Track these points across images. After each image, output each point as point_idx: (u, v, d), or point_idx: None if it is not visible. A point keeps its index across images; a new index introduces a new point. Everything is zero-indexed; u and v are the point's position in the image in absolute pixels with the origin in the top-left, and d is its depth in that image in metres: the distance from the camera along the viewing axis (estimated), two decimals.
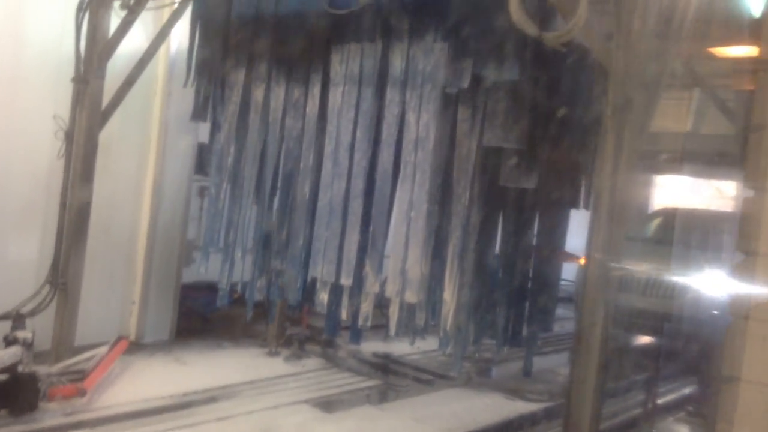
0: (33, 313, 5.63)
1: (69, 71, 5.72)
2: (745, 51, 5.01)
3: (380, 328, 5.91)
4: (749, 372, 2.01)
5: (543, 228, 5.38)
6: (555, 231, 5.45)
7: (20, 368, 5.09)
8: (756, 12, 4.42)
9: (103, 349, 5.86)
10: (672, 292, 6.34)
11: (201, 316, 7.52)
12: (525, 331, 5.40)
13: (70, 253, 5.73)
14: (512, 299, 5.30)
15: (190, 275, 7.25)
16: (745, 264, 2.12)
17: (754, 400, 2.02)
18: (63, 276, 5.71)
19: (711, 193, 9.41)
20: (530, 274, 5.38)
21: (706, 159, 7.55)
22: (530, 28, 3.77)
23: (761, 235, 2.09)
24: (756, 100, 2.35)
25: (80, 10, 5.60)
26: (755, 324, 2.02)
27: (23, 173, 5.95)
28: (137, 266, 6.92)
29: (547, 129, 4.94)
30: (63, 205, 5.75)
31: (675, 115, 7.41)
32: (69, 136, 5.70)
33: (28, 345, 5.28)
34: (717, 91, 5.98)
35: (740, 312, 2.06)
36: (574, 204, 5.46)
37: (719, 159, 7.28)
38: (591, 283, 3.81)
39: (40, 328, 5.63)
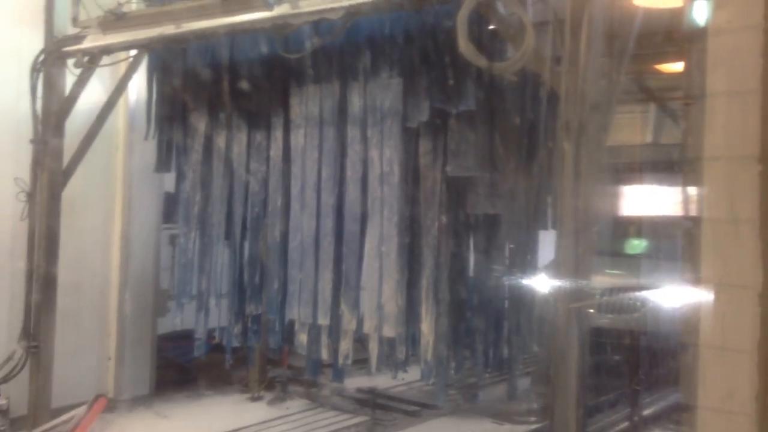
0: (6, 379, 5.53)
1: (28, 131, 5.68)
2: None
3: (362, 362, 5.88)
4: (707, 400, 2.05)
5: (514, 251, 5.44)
6: (526, 253, 5.51)
7: None
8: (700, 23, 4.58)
9: (82, 410, 5.74)
10: (640, 306, 6.40)
11: (180, 367, 7.41)
12: (506, 354, 5.41)
13: (40, 315, 5.64)
14: (490, 324, 5.33)
15: (166, 325, 7.16)
16: (691, 290, 2.18)
17: (711, 426, 2.06)
18: (35, 339, 5.60)
19: (676, 199, 9.56)
20: (505, 298, 5.42)
21: (669, 167, 7.74)
22: (480, 61, 3.86)
23: (702, 264, 2.15)
24: (686, 134, 2.44)
25: (34, 70, 5.57)
26: (706, 351, 2.07)
27: None
28: (110, 321, 6.81)
29: (509, 154, 5.02)
30: (30, 266, 5.67)
31: (634, 128, 7.59)
32: (31, 198, 5.64)
33: (3, 412, 5.18)
34: (669, 103, 6.16)
35: (689, 339, 2.11)
36: (543, 225, 5.54)
37: (675, 166, 7.47)
38: (561, 303, 3.85)
39: (15, 394, 5.53)
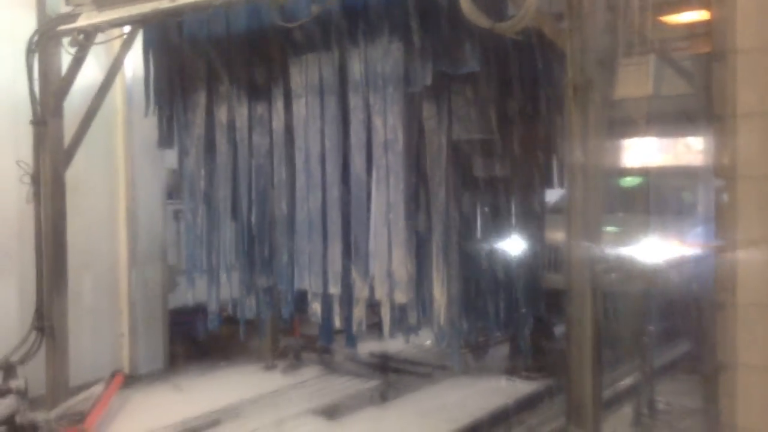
0: (23, 360, 5.58)
1: (26, 114, 5.63)
2: (697, 16, 5.10)
3: (374, 326, 5.94)
4: (745, 356, 2.06)
5: (521, 211, 5.44)
6: (533, 211, 5.51)
7: (18, 418, 5.06)
8: None
9: (99, 387, 5.82)
10: (650, 267, 6.39)
11: (193, 340, 7.48)
12: (515, 314, 5.46)
13: (52, 296, 5.67)
14: (500, 285, 5.36)
15: (176, 300, 7.21)
16: (725, 249, 2.16)
17: (753, 384, 2.07)
18: (48, 319, 5.66)
19: (680, 150, 9.53)
20: (514, 258, 5.43)
21: (671, 118, 7.68)
22: (482, 21, 3.80)
23: (738, 223, 2.14)
24: (715, 91, 2.39)
25: (29, 51, 5.50)
26: (743, 309, 2.07)
27: None
28: (122, 298, 6.87)
29: (513, 115, 4.98)
30: (38, 248, 5.68)
31: (635, 81, 7.51)
32: (35, 179, 5.63)
33: (22, 393, 5.24)
34: (672, 55, 6.09)
35: (726, 298, 2.11)
36: (549, 184, 5.53)
37: (683, 117, 7.42)
38: (575, 264, 3.87)
39: (33, 374, 5.59)
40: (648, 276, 6.09)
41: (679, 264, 6.53)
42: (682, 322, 6.53)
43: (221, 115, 5.69)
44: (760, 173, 2.12)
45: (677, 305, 6.39)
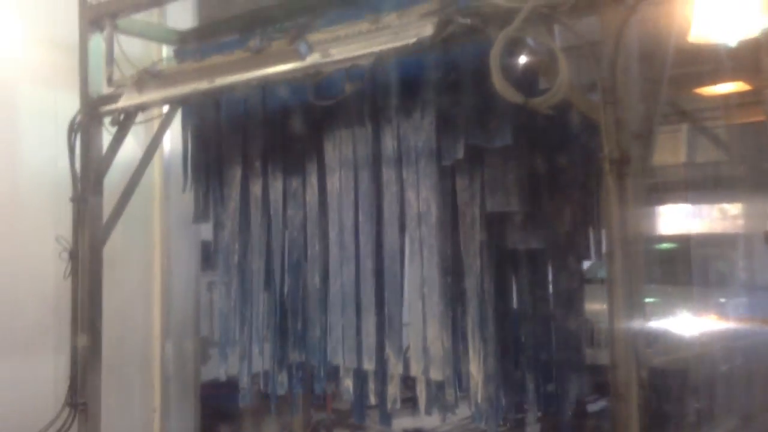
0: None
1: (66, 191, 5.77)
2: (731, 87, 5.08)
3: (407, 401, 5.78)
4: None
5: (558, 284, 5.32)
6: (571, 285, 5.38)
7: None
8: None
9: None
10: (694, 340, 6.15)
11: (224, 415, 7.36)
12: (558, 393, 5.26)
13: (86, 372, 5.65)
14: (540, 362, 5.19)
15: (208, 373, 7.14)
16: None
17: None
18: (81, 396, 5.62)
19: (714, 216, 9.38)
20: (553, 333, 5.28)
21: (705, 185, 7.60)
22: (514, 96, 3.81)
23: None
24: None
25: (72, 130, 5.68)
26: None
27: (31, 296, 5.94)
28: (154, 373, 6.84)
29: (548, 187, 4.94)
30: (74, 324, 5.71)
31: (668, 148, 7.49)
32: (73, 256, 5.71)
33: None
34: (706, 124, 6.06)
35: None
36: (586, 255, 5.42)
37: (717, 184, 7.34)
38: (618, 337, 3.74)
39: None
40: (693, 350, 5.86)
41: (725, 338, 6.29)
42: (730, 399, 6.25)
43: (256, 189, 5.75)
44: None
45: (724, 380, 6.12)
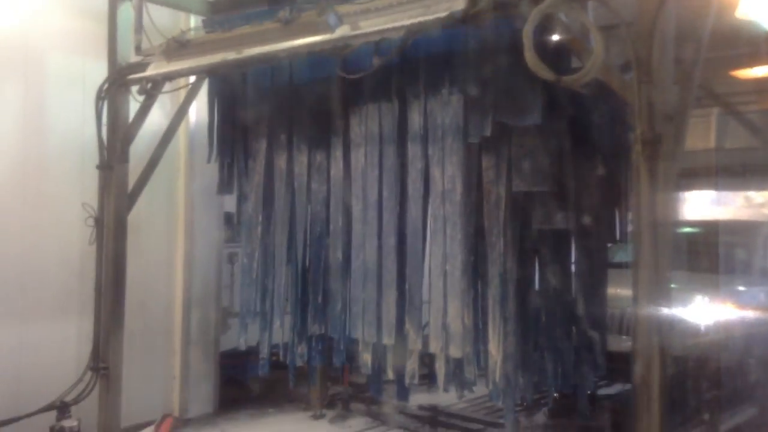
0: (77, 401, 5.64)
1: (93, 158, 5.81)
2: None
3: (423, 377, 5.80)
4: None
5: (582, 265, 5.28)
6: (594, 267, 5.35)
7: None
8: None
9: (150, 430, 5.82)
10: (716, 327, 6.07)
11: (242, 384, 7.46)
12: (576, 374, 5.25)
13: (109, 337, 5.74)
14: (559, 343, 5.18)
15: (228, 342, 7.22)
16: None
17: None
18: (104, 360, 5.71)
19: (740, 203, 9.25)
20: (574, 314, 5.26)
21: (733, 171, 7.47)
22: (546, 74, 3.75)
23: None
24: None
25: (99, 98, 5.70)
26: None
27: (56, 261, 6.01)
28: (175, 340, 6.91)
29: (575, 167, 4.89)
30: (98, 289, 5.79)
31: (698, 133, 7.35)
32: (99, 222, 5.76)
33: None
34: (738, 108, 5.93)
35: None
36: (611, 238, 5.37)
37: (745, 170, 7.21)
38: (642, 322, 3.71)
39: (85, 415, 5.64)
40: (716, 337, 5.80)
41: (746, 325, 6.21)
42: (751, 386, 6.20)
43: (281, 162, 5.76)
44: None
45: (745, 368, 6.07)
